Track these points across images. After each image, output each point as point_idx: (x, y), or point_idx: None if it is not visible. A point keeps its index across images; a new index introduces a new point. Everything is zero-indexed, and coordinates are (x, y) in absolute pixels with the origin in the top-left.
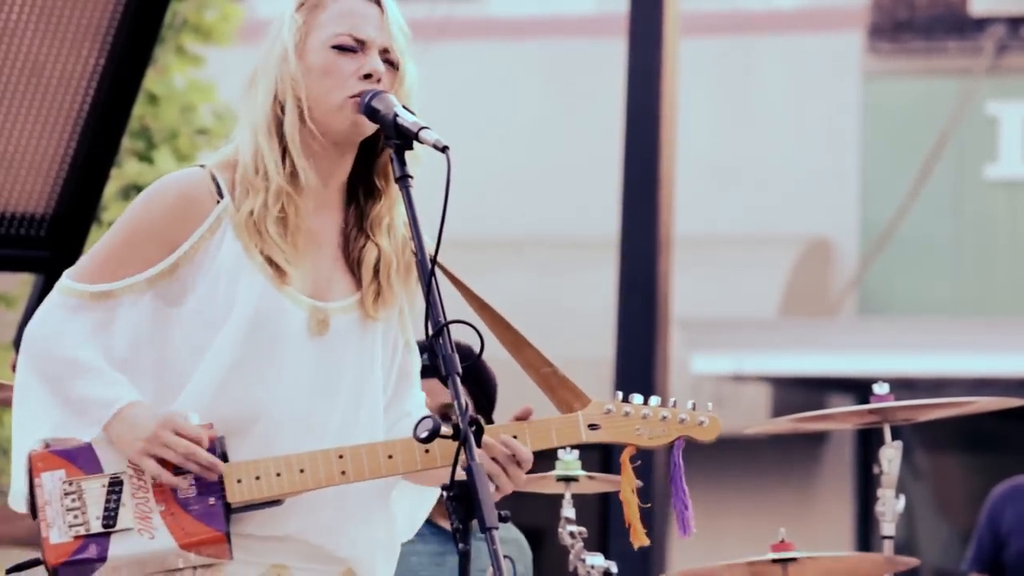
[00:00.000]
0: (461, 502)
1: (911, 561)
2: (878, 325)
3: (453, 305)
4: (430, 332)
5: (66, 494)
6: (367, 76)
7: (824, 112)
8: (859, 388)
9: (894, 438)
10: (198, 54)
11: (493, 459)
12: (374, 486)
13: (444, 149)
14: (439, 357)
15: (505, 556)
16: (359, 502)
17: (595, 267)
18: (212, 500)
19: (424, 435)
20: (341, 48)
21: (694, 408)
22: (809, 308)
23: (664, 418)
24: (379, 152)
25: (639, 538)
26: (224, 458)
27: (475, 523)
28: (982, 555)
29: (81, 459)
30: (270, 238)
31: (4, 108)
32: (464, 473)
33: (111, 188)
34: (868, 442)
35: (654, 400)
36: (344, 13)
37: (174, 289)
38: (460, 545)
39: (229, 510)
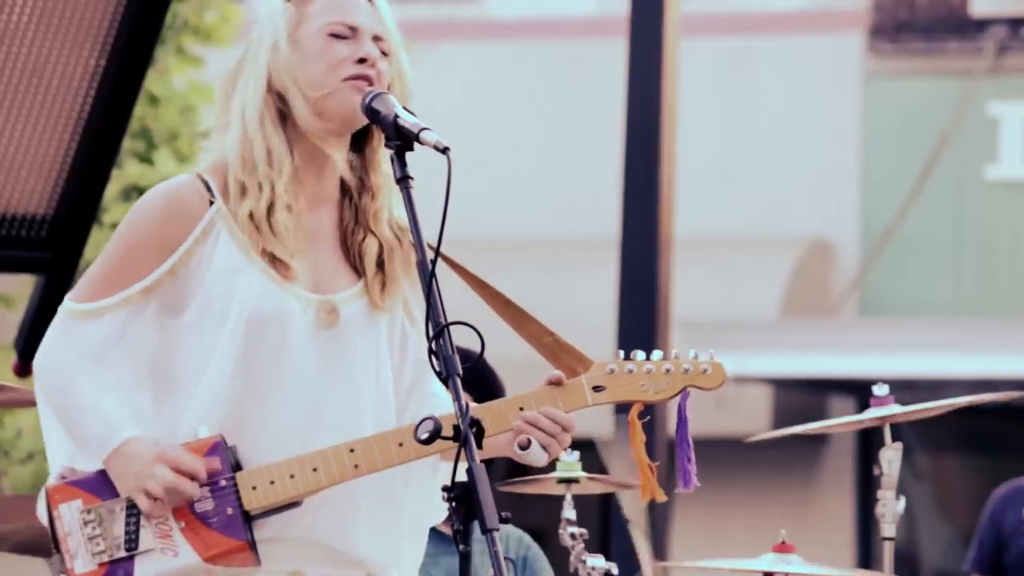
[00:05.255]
0: (462, 503)
1: None
2: (879, 326)
3: (453, 307)
4: (430, 334)
5: (86, 523)
6: (362, 60)
7: (825, 113)
8: (860, 389)
9: (894, 439)
10: (198, 55)
11: (540, 429)
12: (382, 479)
13: (445, 150)
14: (439, 358)
15: (506, 558)
16: (368, 498)
17: (596, 268)
18: (230, 510)
19: (425, 436)
20: (335, 36)
21: (696, 357)
22: (810, 309)
23: (668, 371)
24: (373, 147)
25: (657, 494)
26: (237, 467)
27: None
28: (983, 556)
29: (96, 486)
30: (270, 233)
31: (5, 109)
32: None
33: (111, 189)
34: (869, 443)
35: (656, 354)
36: (334, 3)
37: (175, 298)
38: (460, 547)
39: (248, 518)
